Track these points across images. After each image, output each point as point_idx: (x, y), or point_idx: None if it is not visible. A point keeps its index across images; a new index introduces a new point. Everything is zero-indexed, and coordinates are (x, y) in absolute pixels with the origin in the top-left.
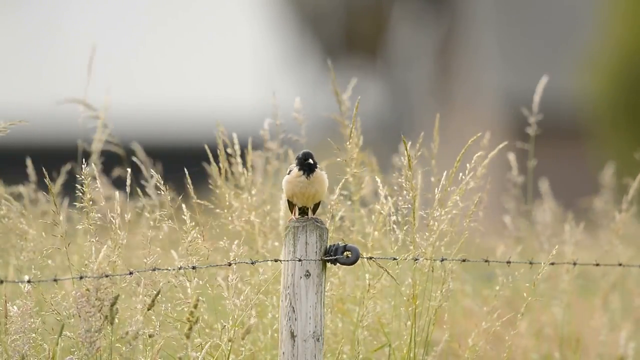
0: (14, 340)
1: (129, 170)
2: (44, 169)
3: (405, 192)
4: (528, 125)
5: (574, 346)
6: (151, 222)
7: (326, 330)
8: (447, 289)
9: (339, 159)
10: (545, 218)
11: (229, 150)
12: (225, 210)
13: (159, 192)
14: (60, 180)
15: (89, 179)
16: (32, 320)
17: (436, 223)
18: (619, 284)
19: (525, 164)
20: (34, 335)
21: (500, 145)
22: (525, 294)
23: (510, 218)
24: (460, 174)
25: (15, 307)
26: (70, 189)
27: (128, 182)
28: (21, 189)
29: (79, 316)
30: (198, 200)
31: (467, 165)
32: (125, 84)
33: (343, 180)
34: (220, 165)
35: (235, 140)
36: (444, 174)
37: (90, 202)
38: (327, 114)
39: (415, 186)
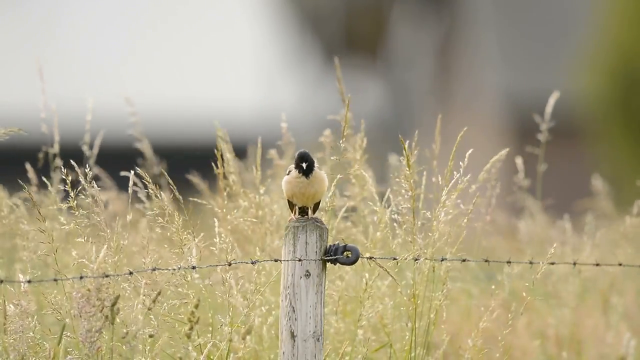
0: (12, 342)
1: (131, 171)
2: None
3: (404, 191)
4: (528, 126)
5: (575, 346)
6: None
7: (330, 329)
8: (447, 288)
9: (336, 159)
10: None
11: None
12: (224, 210)
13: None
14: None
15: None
16: (30, 319)
17: (435, 222)
18: (619, 285)
19: (526, 164)
20: (32, 334)
21: (503, 152)
22: (524, 294)
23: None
24: (456, 173)
25: (11, 306)
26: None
27: (131, 183)
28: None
29: (80, 316)
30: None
31: (463, 165)
32: (124, 84)
33: (336, 180)
34: (223, 166)
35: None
36: (453, 176)
37: (77, 203)
38: (332, 116)
39: (413, 185)
